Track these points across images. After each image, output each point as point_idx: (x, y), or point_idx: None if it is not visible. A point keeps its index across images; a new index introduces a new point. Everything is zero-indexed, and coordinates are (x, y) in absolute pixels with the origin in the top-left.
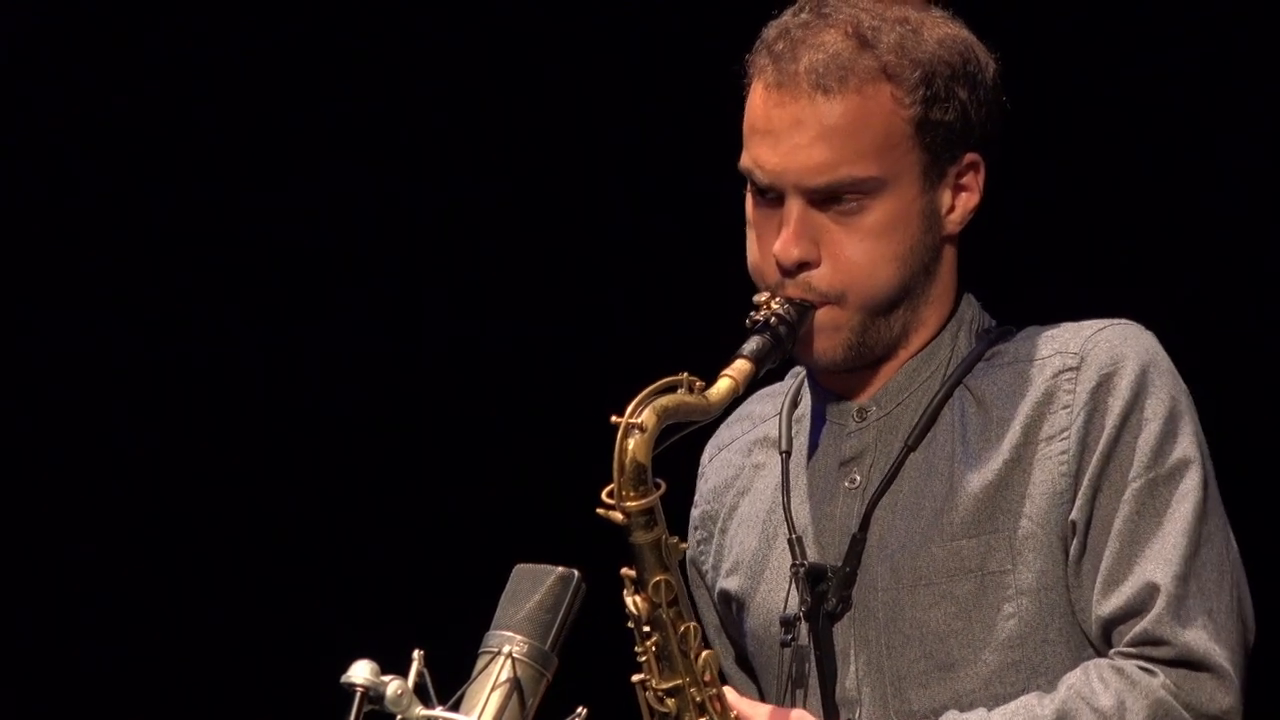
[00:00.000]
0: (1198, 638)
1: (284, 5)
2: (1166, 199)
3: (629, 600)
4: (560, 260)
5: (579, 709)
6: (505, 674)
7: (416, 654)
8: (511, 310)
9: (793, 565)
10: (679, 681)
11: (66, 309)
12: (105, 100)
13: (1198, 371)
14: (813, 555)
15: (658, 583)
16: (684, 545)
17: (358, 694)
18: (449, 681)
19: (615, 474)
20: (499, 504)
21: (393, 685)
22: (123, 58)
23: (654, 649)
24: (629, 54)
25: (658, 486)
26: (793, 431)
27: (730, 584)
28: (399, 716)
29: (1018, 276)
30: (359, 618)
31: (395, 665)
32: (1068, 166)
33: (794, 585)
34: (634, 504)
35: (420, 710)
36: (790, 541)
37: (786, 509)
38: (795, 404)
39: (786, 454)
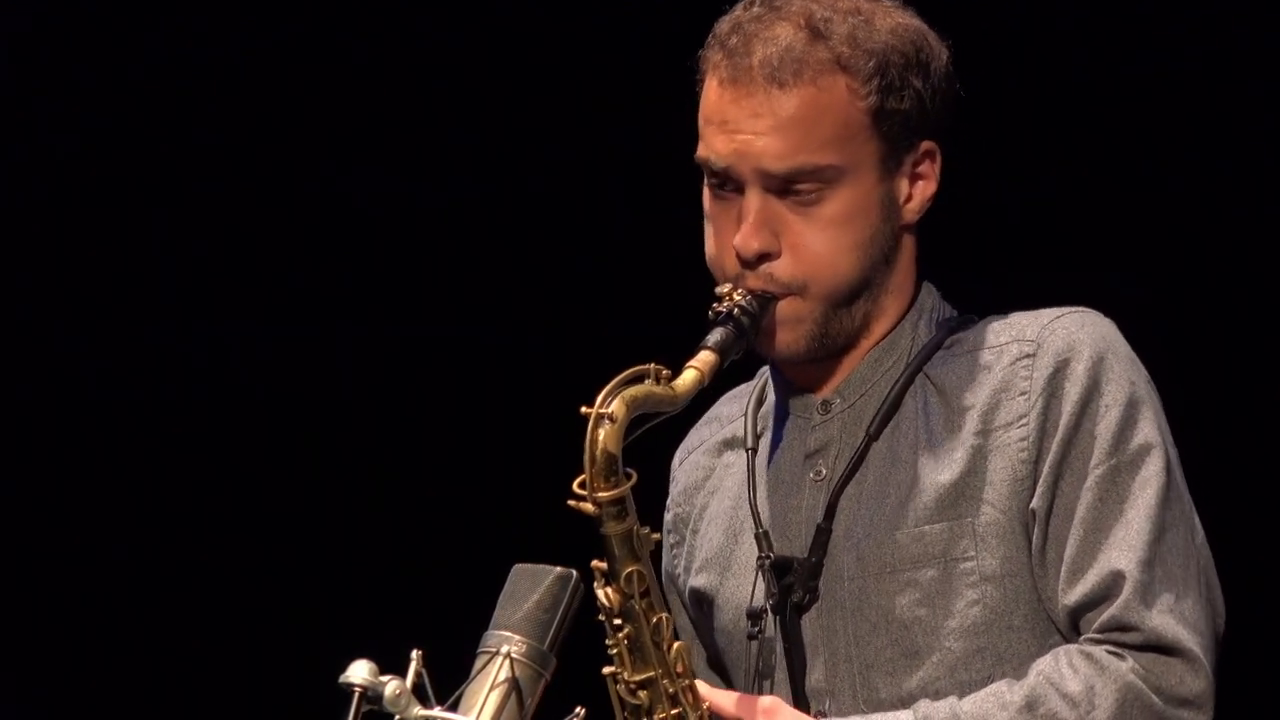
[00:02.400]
0: (1165, 622)
1: (284, 5)
2: (1135, 188)
3: (600, 593)
4: (556, 262)
5: (577, 709)
6: (504, 674)
7: (415, 654)
8: (511, 312)
9: (759, 558)
10: (651, 673)
11: (64, 307)
12: (103, 98)
13: (1169, 361)
14: (779, 548)
15: (630, 574)
16: (655, 535)
17: (356, 694)
18: (447, 681)
19: (586, 465)
20: (498, 503)
21: (391, 685)
22: (122, 57)
23: (626, 641)
24: (582, 48)
25: (628, 476)
26: (758, 428)
27: (699, 581)
28: (397, 717)
29: (981, 268)
30: (358, 618)
31: (393, 665)
32: (1032, 157)
33: (760, 578)
34: (605, 494)
35: (418, 710)
36: (757, 536)
37: (752, 503)
38: (760, 402)
39: (752, 450)
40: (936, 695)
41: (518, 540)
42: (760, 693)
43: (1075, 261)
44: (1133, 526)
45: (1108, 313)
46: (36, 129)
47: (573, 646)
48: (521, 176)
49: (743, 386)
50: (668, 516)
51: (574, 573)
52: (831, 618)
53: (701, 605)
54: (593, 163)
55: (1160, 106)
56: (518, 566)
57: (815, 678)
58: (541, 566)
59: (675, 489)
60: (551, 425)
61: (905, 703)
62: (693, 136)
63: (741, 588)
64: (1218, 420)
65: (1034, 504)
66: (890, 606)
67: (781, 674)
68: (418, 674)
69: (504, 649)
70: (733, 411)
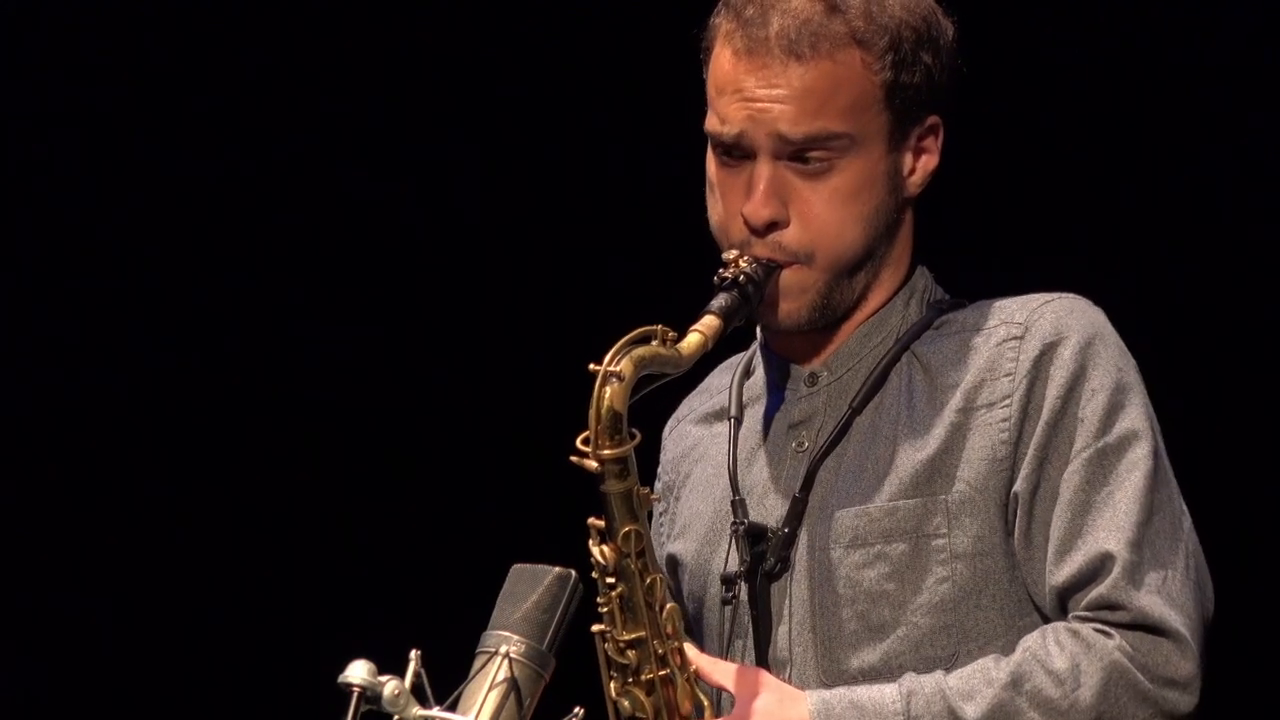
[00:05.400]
0: (1153, 602)
1: (283, 4)
2: (1132, 178)
3: (595, 550)
4: (553, 261)
5: (576, 709)
6: (502, 674)
7: (413, 654)
8: (509, 312)
9: (733, 524)
10: (642, 633)
11: (61, 304)
12: (98, 94)
13: (1161, 351)
14: (757, 517)
15: (627, 533)
16: (655, 497)
17: (354, 694)
18: (446, 681)
19: (591, 422)
20: (497, 504)
21: (390, 685)
22: (122, 54)
23: (617, 600)
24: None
25: (633, 436)
26: (744, 399)
27: (676, 547)
28: (396, 716)
29: (977, 257)
30: (356, 618)
31: (392, 665)
32: (1035, 146)
33: (734, 545)
34: (609, 452)
35: (417, 710)
36: (733, 503)
37: (732, 472)
38: (748, 373)
39: (735, 419)
40: (899, 671)
41: (517, 540)
42: (728, 658)
43: (1066, 249)
44: (1120, 509)
45: (1097, 301)
46: (31, 123)
47: (572, 646)
48: (508, 151)
49: (736, 357)
50: (657, 485)
51: (573, 573)
52: (800, 587)
53: (675, 571)
54: (586, 135)
55: (1155, 93)
56: (516, 566)
57: (778, 646)
58: (540, 566)
59: (665, 457)
60: (552, 425)
61: (867, 676)
62: (692, 106)
63: (716, 554)
64: (1203, 411)
65: (1017, 486)
66: (859, 579)
67: (750, 641)
68: (416, 674)
69: (503, 649)
70: (723, 382)
